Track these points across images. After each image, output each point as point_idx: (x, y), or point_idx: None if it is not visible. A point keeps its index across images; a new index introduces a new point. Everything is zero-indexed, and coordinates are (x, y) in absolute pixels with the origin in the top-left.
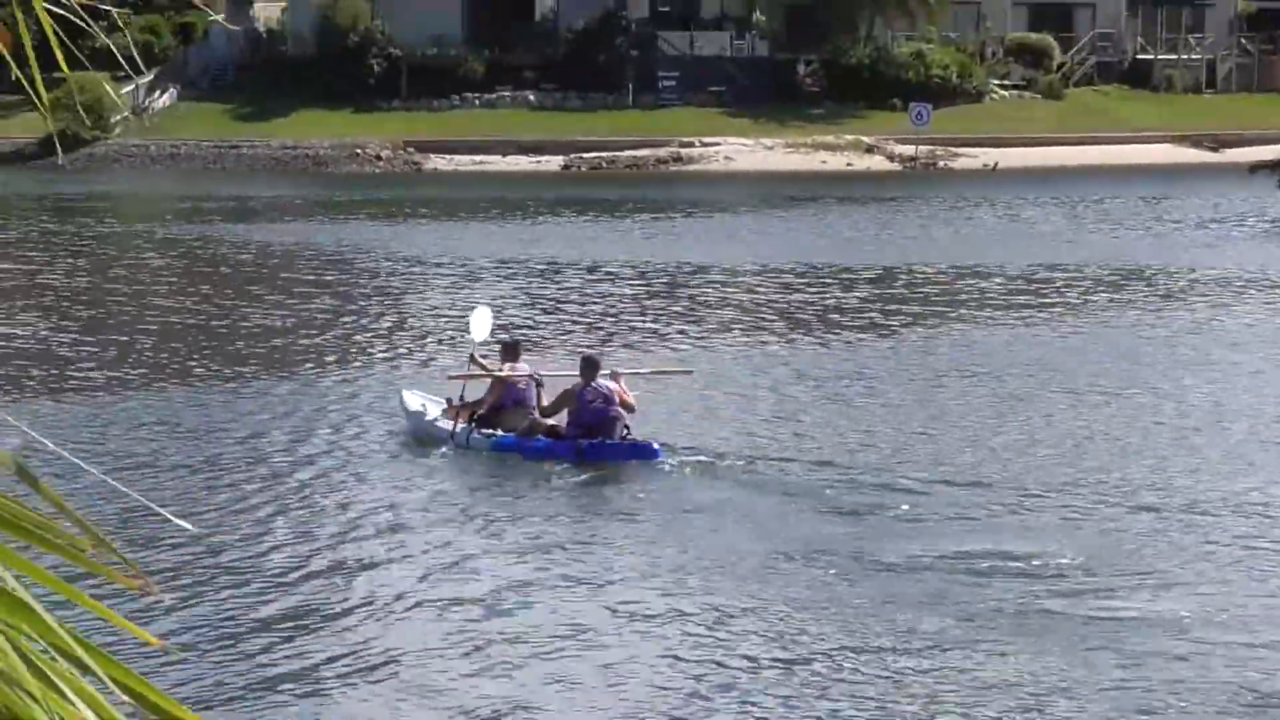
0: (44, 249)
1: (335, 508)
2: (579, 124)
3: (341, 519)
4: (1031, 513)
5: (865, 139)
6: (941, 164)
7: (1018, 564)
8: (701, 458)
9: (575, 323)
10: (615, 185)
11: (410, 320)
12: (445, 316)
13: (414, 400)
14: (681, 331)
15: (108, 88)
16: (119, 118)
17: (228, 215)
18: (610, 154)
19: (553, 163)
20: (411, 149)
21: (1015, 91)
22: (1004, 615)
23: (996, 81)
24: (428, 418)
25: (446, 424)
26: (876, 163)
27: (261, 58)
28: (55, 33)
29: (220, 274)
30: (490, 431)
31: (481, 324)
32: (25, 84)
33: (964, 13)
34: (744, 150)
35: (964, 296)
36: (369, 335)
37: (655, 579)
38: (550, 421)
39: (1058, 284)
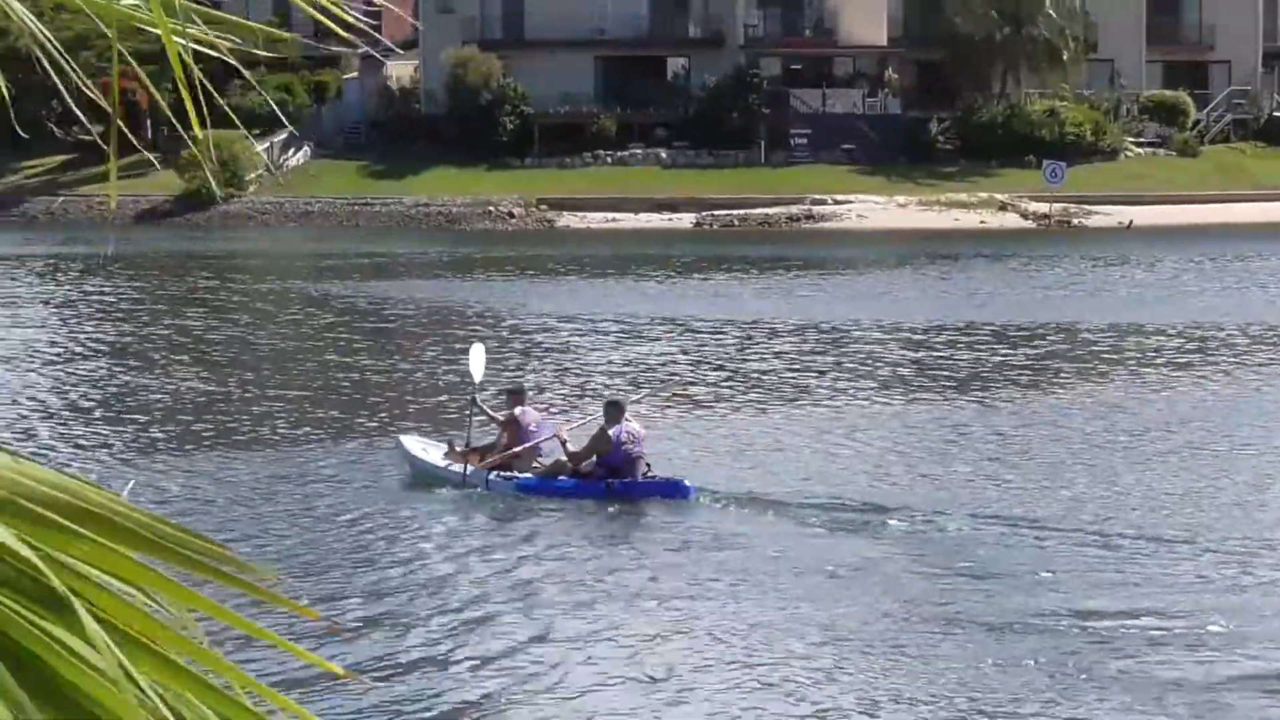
0: (194, 305)
1: (377, 549)
2: (711, 182)
3: (371, 561)
4: (1171, 572)
5: (999, 196)
6: (1076, 221)
7: (1157, 625)
8: (843, 513)
9: (730, 379)
10: (748, 243)
11: (558, 378)
12: (595, 374)
13: (414, 445)
14: (831, 387)
15: (252, 144)
16: (253, 175)
17: (366, 272)
18: (742, 211)
19: (684, 220)
20: (544, 206)
21: (1150, 149)
22: (1135, 677)
23: (1131, 139)
24: (433, 462)
25: (456, 467)
26: (1010, 220)
27: (394, 116)
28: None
29: (366, 330)
30: (509, 474)
31: (477, 361)
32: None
33: (1098, 70)
34: (876, 208)
35: (1112, 354)
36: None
37: (772, 629)
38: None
39: (1207, 342)
